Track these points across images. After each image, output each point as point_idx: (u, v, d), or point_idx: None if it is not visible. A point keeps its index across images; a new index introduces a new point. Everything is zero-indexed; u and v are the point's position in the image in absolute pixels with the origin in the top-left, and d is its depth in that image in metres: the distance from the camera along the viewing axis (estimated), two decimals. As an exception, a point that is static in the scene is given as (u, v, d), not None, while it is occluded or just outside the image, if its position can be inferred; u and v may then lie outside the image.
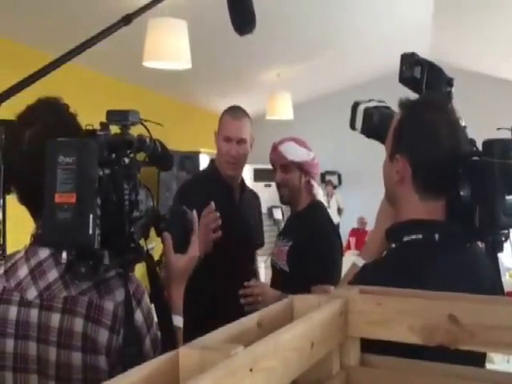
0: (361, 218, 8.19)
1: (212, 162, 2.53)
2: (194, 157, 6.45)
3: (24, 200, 1.21)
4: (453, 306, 0.85)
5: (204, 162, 6.86)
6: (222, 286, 2.10)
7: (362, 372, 0.93)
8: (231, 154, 2.35)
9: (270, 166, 2.49)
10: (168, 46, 3.42)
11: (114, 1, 3.57)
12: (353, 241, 8.10)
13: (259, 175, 7.49)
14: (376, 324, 0.89)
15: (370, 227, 7.87)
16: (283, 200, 2.46)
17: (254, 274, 2.54)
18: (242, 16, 1.23)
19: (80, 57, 1.09)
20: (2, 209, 1.58)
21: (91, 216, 1.00)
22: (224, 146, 2.37)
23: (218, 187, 2.40)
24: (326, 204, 2.59)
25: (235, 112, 2.40)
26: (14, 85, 0.81)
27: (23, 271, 1.18)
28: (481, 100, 7.29)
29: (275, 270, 2.42)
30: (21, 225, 1.39)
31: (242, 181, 2.54)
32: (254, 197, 2.67)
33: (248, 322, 0.78)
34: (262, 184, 7.13)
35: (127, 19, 1.02)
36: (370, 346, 0.94)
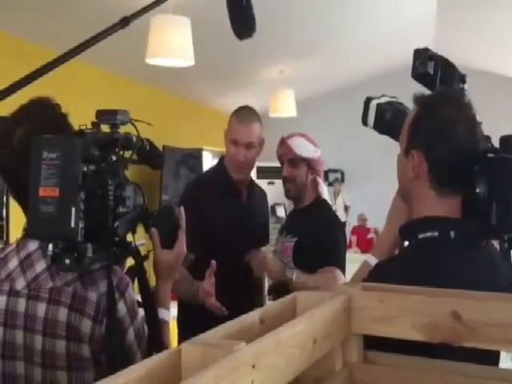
0: (361, 214, 8.10)
1: (221, 159, 2.50)
2: (196, 154, 6.44)
3: (15, 195, 1.26)
4: (456, 302, 0.85)
5: (207, 160, 6.86)
6: (227, 283, 2.10)
7: (364, 369, 0.93)
8: (238, 159, 2.31)
9: (273, 164, 2.48)
10: (171, 43, 3.41)
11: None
12: (354, 239, 8.04)
13: (262, 172, 7.46)
14: (379, 321, 0.89)
15: (370, 224, 7.85)
16: (289, 194, 2.46)
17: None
18: (242, 21, 1.23)
19: (82, 54, 1.09)
20: (6, 206, 1.58)
21: (73, 209, 1.03)
22: (231, 149, 2.33)
23: (226, 185, 2.39)
24: (330, 202, 2.59)
25: (244, 115, 2.33)
26: (14, 82, 0.83)
27: (13, 263, 1.22)
28: (484, 98, 7.23)
29: None
30: (24, 222, 1.40)
31: (251, 179, 2.54)
32: (263, 195, 2.67)
33: (250, 318, 0.78)
34: (264, 181, 7.11)
35: (125, 22, 1.03)
36: (382, 346, 0.94)
